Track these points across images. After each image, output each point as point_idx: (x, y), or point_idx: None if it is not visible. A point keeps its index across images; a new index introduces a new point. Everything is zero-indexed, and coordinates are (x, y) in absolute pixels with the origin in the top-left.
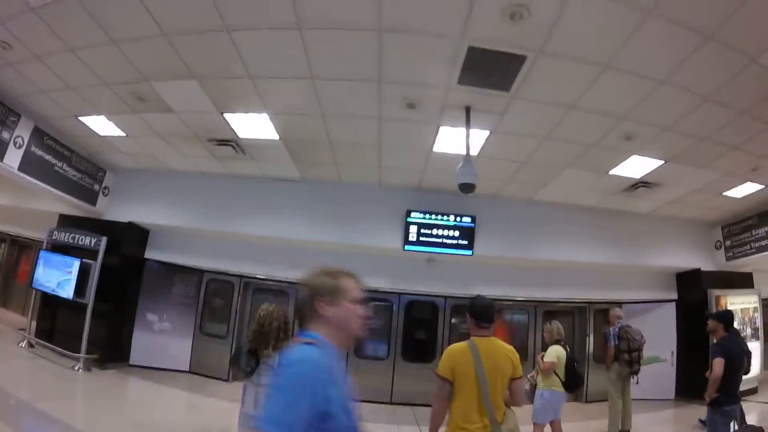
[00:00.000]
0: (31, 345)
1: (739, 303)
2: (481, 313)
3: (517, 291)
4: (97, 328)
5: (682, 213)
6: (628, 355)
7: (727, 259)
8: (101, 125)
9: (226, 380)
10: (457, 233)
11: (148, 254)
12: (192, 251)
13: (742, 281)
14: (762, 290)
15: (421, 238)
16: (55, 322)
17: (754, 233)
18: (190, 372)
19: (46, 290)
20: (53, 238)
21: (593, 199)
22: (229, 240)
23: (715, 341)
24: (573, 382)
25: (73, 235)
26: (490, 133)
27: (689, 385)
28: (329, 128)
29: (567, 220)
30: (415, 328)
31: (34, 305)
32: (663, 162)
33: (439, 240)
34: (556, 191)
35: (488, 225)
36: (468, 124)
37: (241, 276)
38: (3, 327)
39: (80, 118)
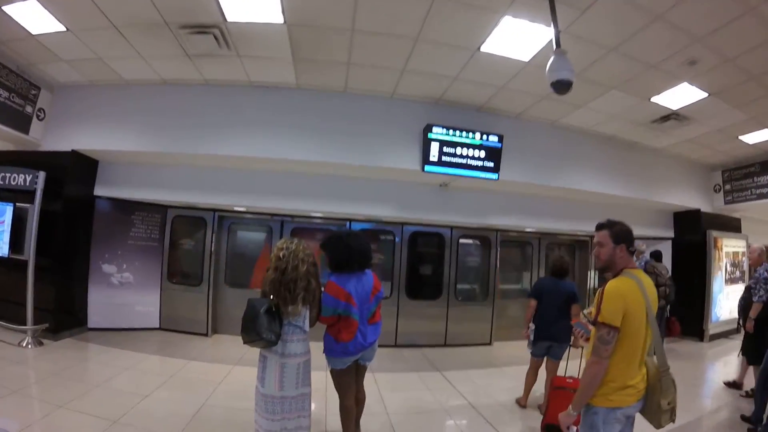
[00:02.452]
0: None
1: (732, 246)
2: (631, 239)
3: (527, 222)
4: (44, 289)
5: (691, 153)
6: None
7: (726, 202)
8: (34, 17)
9: (206, 334)
10: (483, 154)
11: (98, 191)
12: (152, 183)
13: (732, 226)
14: (749, 236)
15: (443, 158)
16: None
17: (755, 180)
18: (161, 329)
19: None
20: None
21: (616, 129)
22: (199, 167)
23: None
24: None
25: (2, 174)
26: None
27: (683, 324)
28: (359, 10)
29: (586, 148)
30: (420, 263)
31: None
32: (707, 95)
33: (464, 161)
34: (586, 116)
35: (513, 147)
36: (553, 13)
37: (214, 210)
38: None
39: (5, 8)
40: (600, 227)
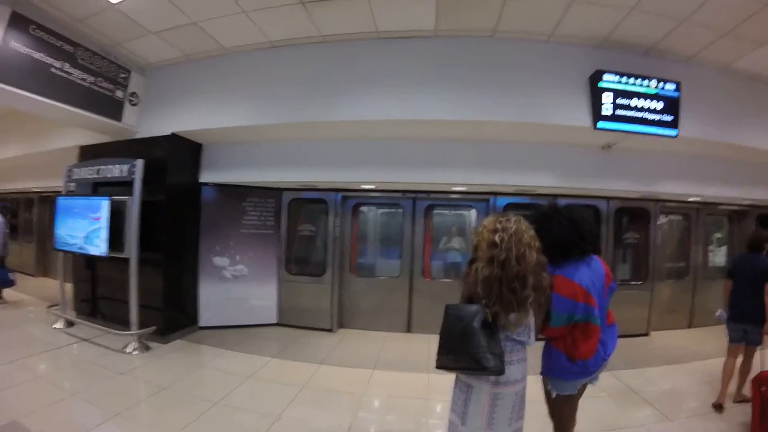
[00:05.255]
0: (69, 324)
1: None
2: None
3: (700, 188)
4: (151, 287)
5: None
6: None
7: None
8: None
9: (330, 330)
10: (660, 105)
11: (204, 177)
12: (264, 163)
13: None
14: None
15: (617, 112)
16: (95, 289)
17: None
18: (279, 324)
19: (71, 249)
20: (74, 177)
21: None
22: (316, 141)
23: None
24: None
25: (97, 167)
26: None
27: None
28: None
29: (760, 96)
30: None
31: (66, 271)
32: None
33: (640, 114)
34: (763, 57)
35: (691, 97)
36: None
37: (336, 189)
38: (36, 302)
39: None
40: None
